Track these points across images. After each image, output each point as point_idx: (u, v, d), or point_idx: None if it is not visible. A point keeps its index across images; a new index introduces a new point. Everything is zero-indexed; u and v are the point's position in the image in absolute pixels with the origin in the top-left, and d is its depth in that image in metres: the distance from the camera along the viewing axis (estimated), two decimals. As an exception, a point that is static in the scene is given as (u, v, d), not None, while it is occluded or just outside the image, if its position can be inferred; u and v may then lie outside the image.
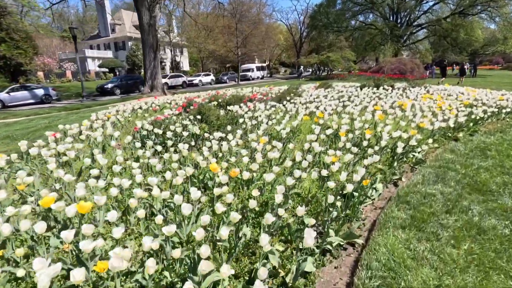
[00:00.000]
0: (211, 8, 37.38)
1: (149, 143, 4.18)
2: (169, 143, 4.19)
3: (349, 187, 2.70)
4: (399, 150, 3.70)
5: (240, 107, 6.79)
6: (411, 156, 4.30)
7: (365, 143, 3.98)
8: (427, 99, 8.03)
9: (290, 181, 2.74)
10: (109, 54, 46.90)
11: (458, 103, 7.30)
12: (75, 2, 74.59)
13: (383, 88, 10.03)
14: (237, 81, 31.72)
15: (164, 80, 29.28)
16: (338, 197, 2.79)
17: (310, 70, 44.04)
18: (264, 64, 50.05)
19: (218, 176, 3.00)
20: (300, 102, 7.30)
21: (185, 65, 57.71)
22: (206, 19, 37.58)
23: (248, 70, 41.53)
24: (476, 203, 3.02)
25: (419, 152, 4.44)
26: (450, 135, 5.48)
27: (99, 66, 41.91)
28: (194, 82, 31.17)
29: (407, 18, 38.14)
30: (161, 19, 39.53)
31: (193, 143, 4.50)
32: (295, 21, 59.21)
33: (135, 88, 24.43)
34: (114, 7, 54.34)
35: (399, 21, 38.28)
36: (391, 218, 2.72)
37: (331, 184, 2.74)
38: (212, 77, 34.22)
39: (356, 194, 2.93)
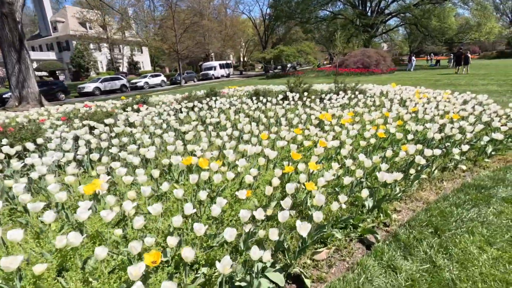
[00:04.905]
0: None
1: None
2: None
3: None
4: None
5: None
6: None
7: None
8: (319, 123, 4.36)
9: None
10: (51, 55, 41.49)
11: (368, 133, 3.65)
12: None
13: (283, 98, 6.34)
14: (180, 81, 27.40)
15: (94, 84, 24.70)
16: None
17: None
18: (229, 61, 45.95)
19: None
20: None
21: (146, 65, 52.75)
22: (154, 12, 33.26)
23: (210, 68, 37.83)
24: None
25: None
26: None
27: (36, 70, 36.60)
28: (138, 84, 26.83)
29: (377, 6, 34.95)
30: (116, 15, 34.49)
31: None
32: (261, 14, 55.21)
33: (53, 96, 19.79)
34: (56, 2, 48.69)
35: (368, 9, 34.99)
36: None
37: None
38: (162, 77, 30.00)
39: None
